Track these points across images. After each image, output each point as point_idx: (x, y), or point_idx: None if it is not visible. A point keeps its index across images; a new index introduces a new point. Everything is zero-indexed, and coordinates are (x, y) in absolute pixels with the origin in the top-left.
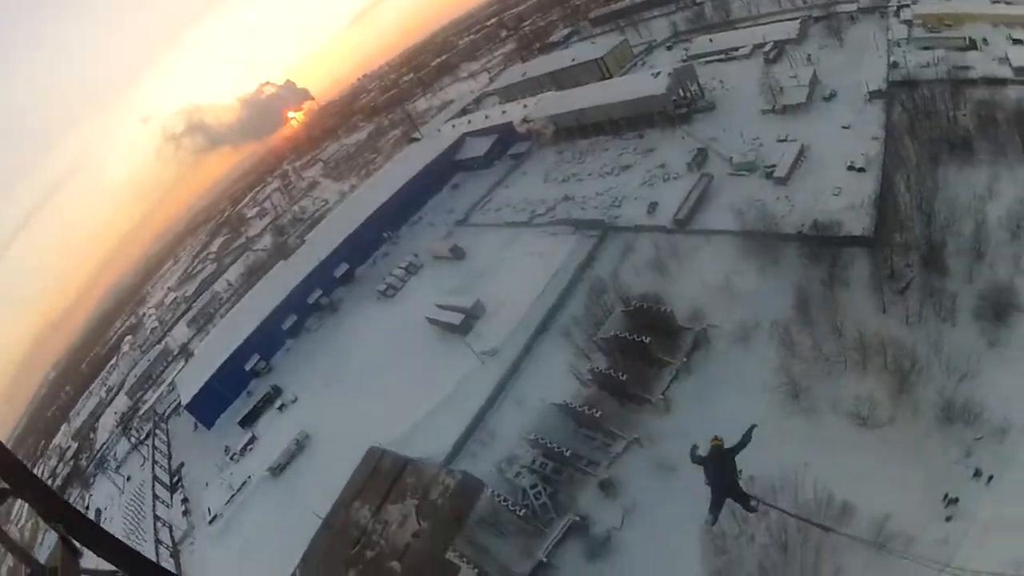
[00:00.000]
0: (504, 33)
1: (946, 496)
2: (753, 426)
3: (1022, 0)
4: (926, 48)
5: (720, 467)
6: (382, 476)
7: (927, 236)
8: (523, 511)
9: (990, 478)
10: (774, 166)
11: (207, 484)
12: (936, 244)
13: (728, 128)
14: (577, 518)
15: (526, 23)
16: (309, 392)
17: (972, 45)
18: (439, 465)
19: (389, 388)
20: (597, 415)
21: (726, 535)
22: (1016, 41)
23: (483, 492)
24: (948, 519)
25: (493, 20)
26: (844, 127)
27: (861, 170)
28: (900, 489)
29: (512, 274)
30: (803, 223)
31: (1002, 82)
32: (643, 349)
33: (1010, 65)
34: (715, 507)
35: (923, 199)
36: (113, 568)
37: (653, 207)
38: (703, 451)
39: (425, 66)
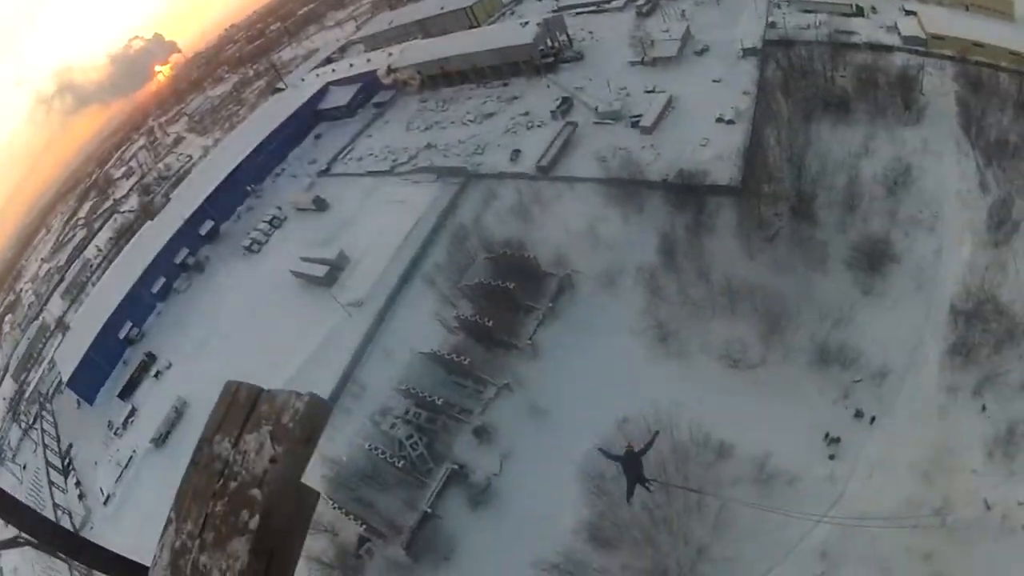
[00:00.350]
0: None
1: (827, 435)
2: (657, 433)
3: None
4: (808, 11)
5: (630, 464)
6: (239, 407)
7: (797, 188)
8: (401, 463)
9: (872, 419)
10: (640, 116)
11: (96, 463)
12: (806, 195)
13: (595, 78)
14: (455, 466)
15: None
16: (182, 356)
17: (859, 12)
18: (290, 392)
19: (259, 346)
20: (466, 362)
21: (605, 477)
22: (908, 12)
23: (330, 412)
24: (831, 457)
25: None
26: (715, 81)
27: (730, 122)
28: (779, 429)
29: (375, 224)
30: (669, 172)
31: (888, 48)
32: (508, 295)
33: (899, 33)
34: (629, 493)
35: (794, 153)
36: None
37: (516, 154)
38: (618, 450)
39: (292, 15)
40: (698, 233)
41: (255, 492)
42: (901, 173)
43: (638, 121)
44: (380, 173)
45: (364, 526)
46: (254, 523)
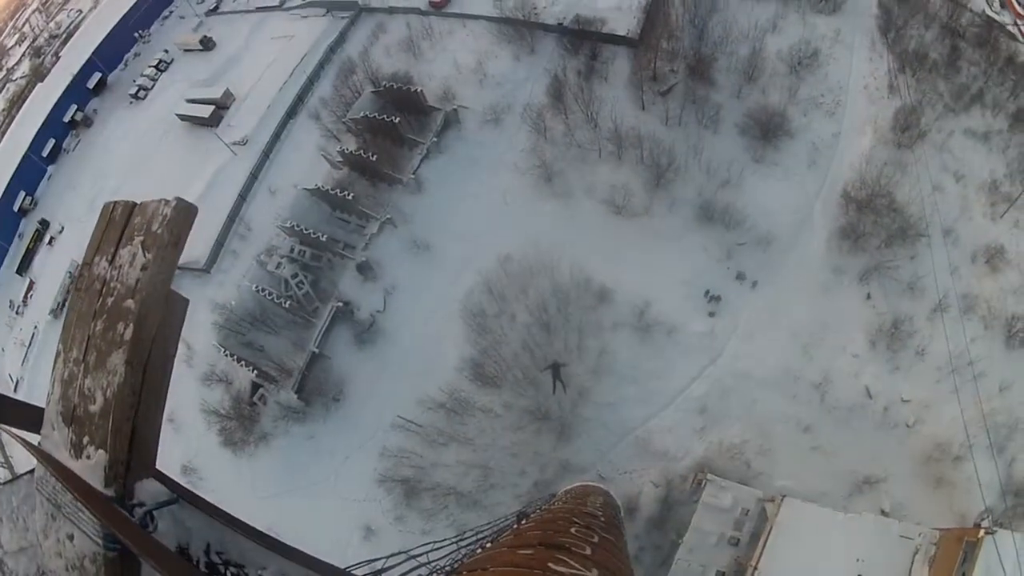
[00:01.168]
0: None
1: (708, 292)
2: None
3: None
4: None
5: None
6: (116, 225)
7: (697, 49)
8: (288, 303)
9: (754, 283)
10: None
11: (2, 349)
12: (705, 58)
13: None
14: (341, 304)
15: None
16: (74, 218)
17: None
18: (159, 200)
19: (147, 195)
20: (349, 197)
21: (486, 314)
22: None
23: (195, 212)
24: (711, 315)
25: None
26: None
27: None
28: (659, 280)
29: (262, 60)
30: (565, 16)
31: None
32: (393, 129)
33: None
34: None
35: (697, 15)
36: None
37: None
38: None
39: None
40: (590, 78)
41: (129, 303)
42: (808, 55)
43: None
44: (269, 8)
45: (256, 372)
46: (128, 333)
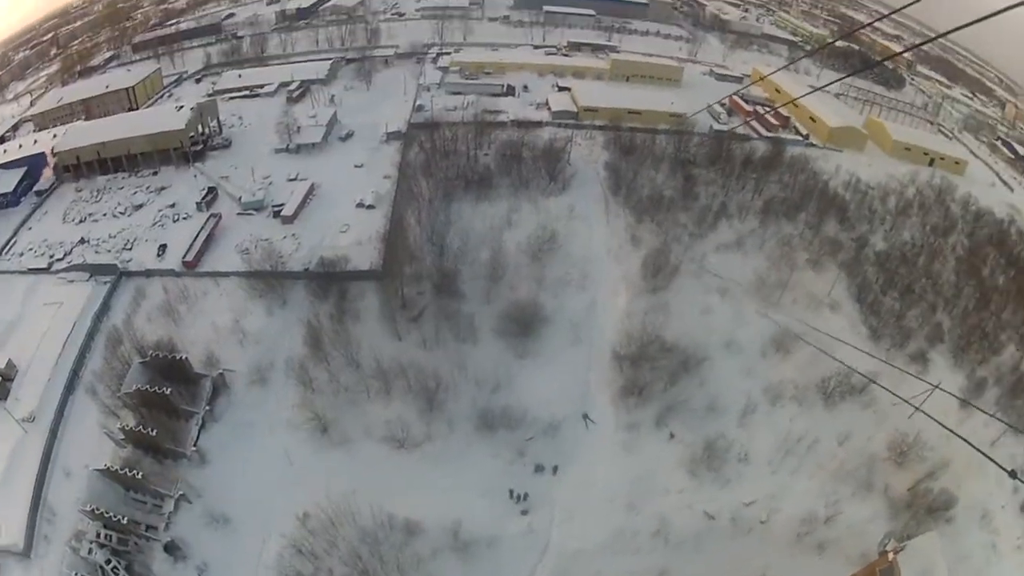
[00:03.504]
0: (54, 51)
1: (512, 492)
2: None
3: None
4: (457, 93)
5: None
6: None
7: (439, 266)
8: None
9: (555, 468)
10: (282, 205)
11: None
12: (449, 273)
13: (241, 166)
14: None
15: (75, 42)
16: None
17: (510, 91)
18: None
19: None
20: (139, 476)
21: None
22: (562, 88)
23: None
24: (524, 513)
25: (49, 36)
26: (357, 166)
27: (371, 207)
28: (462, 498)
29: (38, 327)
30: (310, 260)
31: (537, 124)
32: (166, 401)
33: (549, 109)
34: None
35: (435, 232)
36: None
37: (163, 249)
38: None
39: None
40: (343, 320)
41: None
42: (546, 240)
43: (280, 211)
44: (39, 271)
45: None
46: None
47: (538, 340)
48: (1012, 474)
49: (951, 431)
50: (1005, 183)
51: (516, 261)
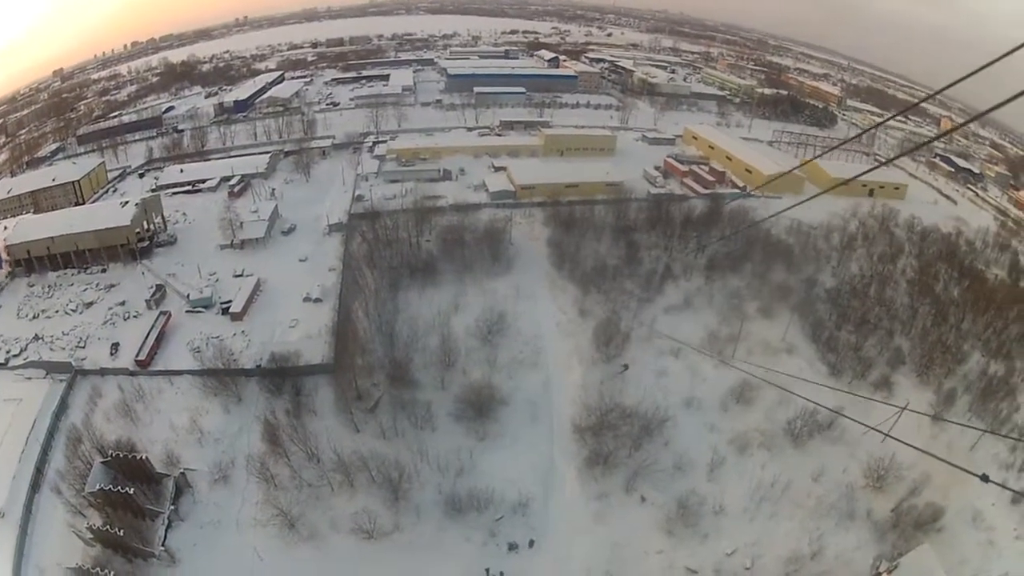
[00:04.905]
0: (3, 140)
1: (488, 573)
2: None
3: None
4: (395, 181)
5: None
6: None
7: (391, 356)
8: None
9: (531, 542)
10: (230, 302)
11: None
12: (401, 362)
13: (187, 263)
14: None
15: (23, 131)
16: None
17: (447, 176)
18: None
19: None
20: None
21: None
22: (498, 168)
23: None
24: None
25: None
26: (301, 260)
27: (318, 300)
28: None
29: None
30: (261, 357)
31: (476, 207)
32: (130, 501)
33: (487, 190)
34: None
35: (383, 322)
36: None
37: (115, 348)
38: None
39: None
40: (299, 415)
41: None
42: (495, 322)
43: (228, 307)
44: None
45: None
46: None
47: (497, 421)
48: (984, 478)
49: (921, 451)
50: (948, 197)
51: (467, 345)
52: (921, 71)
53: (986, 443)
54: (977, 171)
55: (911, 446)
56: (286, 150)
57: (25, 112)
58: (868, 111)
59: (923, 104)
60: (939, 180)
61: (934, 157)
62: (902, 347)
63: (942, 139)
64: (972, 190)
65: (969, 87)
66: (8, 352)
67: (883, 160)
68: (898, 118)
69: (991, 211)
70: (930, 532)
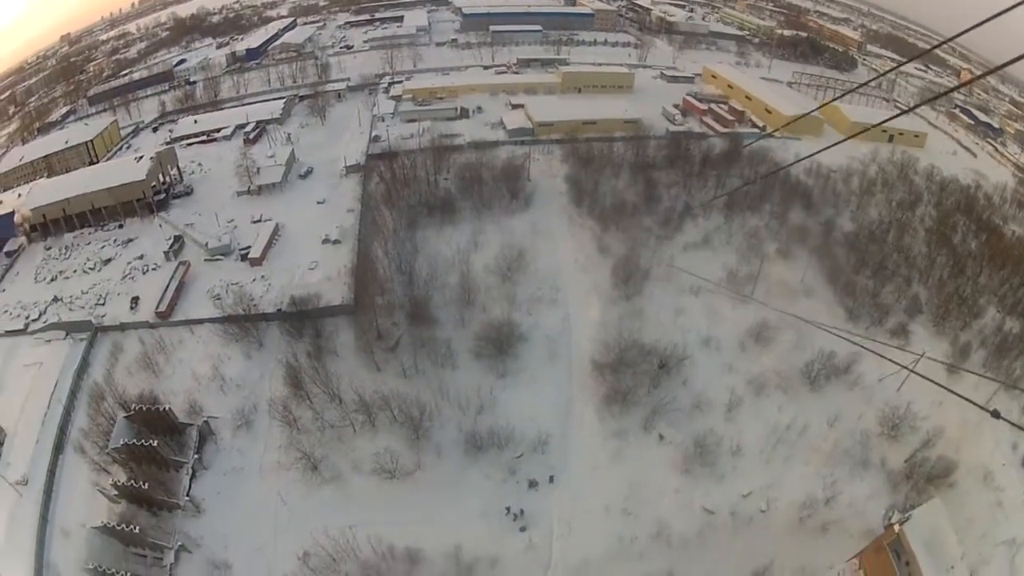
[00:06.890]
0: (13, 109)
1: (508, 510)
2: None
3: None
4: (412, 121)
5: None
6: None
7: (410, 294)
8: None
9: (551, 478)
10: (249, 248)
11: None
12: (421, 300)
13: (204, 212)
14: None
15: (33, 98)
16: None
17: (464, 114)
18: None
19: None
20: (136, 531)
21: None
22: (516, 106)
23: None
24: (523, 529)
25: (6, 94)
26: (319, 202)
27: (337, 242)
28: (458, 521)
29: (19, 391)
30: (282, 301)
31: (493, 144)
32: (154, 453)
33: (504, 128)
34: None
35: (403, 261)
36: None
37: (135, 302)
38: None
39: None
40: (321, 357)
41: None
42: (514, 259)
43: (247, 253)
44: (15, 333)
45: None
46: None
47: (516, 359)
48: (995, 414)
49: (945, 387)
50: (968, 149)
51: (486, 283)
52: (944, 19)
53: (1000, 401)
54: (996, 126)
55: (937, 383)
56: (301, 95)
57: (34, 80)
58: (889, 57)
59: (944, 55)
60: (959, 132)
61: (954, 108)
62: (919, 296)
63: (962, 91)
64: (992, 144)
65: (990, 42)
66: (27, 317)
67: (905, 108)
68: (918, 66)
69: (1010, 167)
70: (941, 487)
